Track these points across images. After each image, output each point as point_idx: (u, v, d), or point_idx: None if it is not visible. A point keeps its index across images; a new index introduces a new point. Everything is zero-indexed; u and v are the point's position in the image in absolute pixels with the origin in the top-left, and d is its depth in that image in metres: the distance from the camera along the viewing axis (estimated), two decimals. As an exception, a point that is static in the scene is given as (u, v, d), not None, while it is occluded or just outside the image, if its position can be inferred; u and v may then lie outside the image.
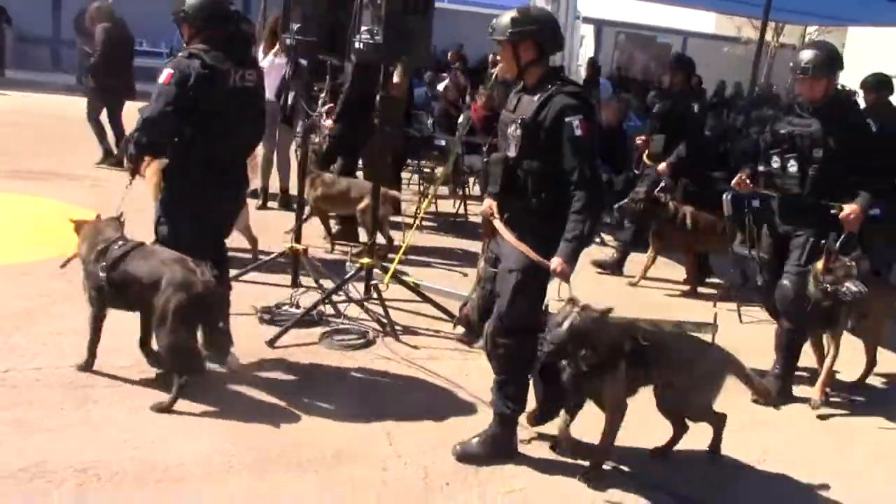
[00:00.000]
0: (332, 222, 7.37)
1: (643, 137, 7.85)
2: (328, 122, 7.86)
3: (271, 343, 4.92)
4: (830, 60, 4.81)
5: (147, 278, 4.01)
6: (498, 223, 3.87)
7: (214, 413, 4.05)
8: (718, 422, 4.10)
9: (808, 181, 4.82)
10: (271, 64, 8.50)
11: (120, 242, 4.19)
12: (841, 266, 4.62)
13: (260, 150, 8.70)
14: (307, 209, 6.98)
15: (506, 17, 3.77)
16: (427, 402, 4.44)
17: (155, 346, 4.21)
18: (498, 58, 4.03)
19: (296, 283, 5.71)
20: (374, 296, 5.44)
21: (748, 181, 5.17)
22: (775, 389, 4.76)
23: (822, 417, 4.82)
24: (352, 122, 7.41)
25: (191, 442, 3.76)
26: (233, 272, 5.66)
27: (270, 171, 8.75)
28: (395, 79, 7.50)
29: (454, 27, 18.03)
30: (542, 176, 3.71)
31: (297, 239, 5.78)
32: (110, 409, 3.96)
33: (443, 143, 9.50)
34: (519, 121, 3.73)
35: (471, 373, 4.77)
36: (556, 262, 3.62)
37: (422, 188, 9.20)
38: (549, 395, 4.07)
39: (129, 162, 4.54)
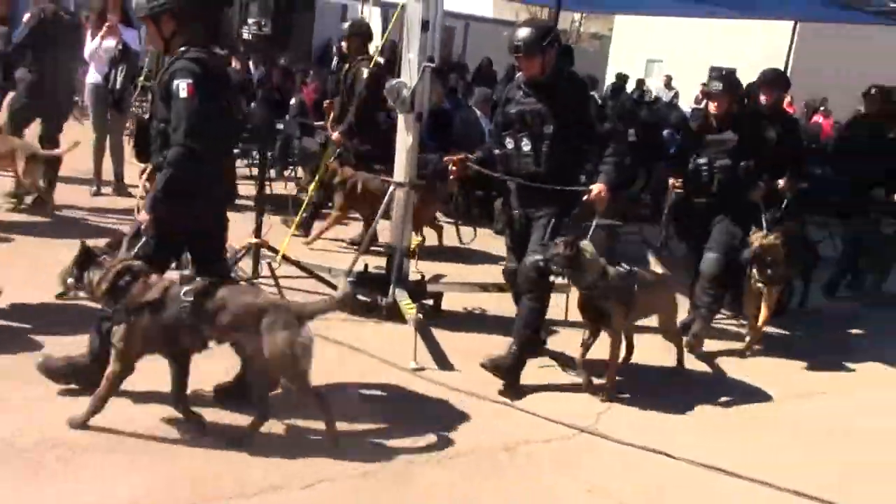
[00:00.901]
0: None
1: (329, 101, 8.17)
2: None
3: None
4: (542, 38, 4.81)
5: None
6: (143, 182, 4.40)
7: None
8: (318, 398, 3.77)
9: (543, 158, 4.85)
10: (98, 47, 8.35)
11: None
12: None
13: (92, 134, 8.57)
14: None
15: None
16: (343, 363, 4.84)
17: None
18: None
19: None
20: (266, 274, 5.69)
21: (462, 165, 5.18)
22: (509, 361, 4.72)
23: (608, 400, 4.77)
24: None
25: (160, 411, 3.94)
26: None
27: (102, 156, 8.61)
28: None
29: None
30: (166, 135, 3.96)
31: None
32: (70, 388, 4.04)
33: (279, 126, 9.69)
34: (155, 86, 4.17)
35: (368, 336, 5.31)
36: (140, 216, 4.07)
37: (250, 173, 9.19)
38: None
39: None
